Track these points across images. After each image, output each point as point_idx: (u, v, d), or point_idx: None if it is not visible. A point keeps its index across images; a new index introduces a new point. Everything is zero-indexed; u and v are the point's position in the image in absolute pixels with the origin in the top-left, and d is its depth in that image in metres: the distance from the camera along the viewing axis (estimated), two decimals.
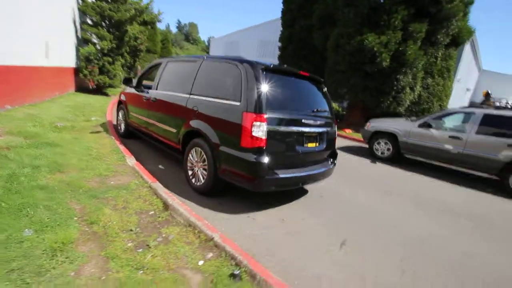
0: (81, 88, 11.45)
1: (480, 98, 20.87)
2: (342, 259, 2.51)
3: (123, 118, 5.49)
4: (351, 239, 2.88)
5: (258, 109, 2.80)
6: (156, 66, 4.86)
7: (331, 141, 3.71)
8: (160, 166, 4.29)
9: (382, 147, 6.98)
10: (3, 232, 2.04)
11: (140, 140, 5.43)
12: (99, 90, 11.29)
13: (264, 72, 2.97)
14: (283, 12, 13.13)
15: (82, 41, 10.64)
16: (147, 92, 4.62)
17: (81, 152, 4.14)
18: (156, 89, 4.39)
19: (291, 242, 2.68)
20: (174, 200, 2.89)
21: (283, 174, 2.96)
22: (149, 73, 5.10)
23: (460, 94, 20.04)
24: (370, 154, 7.25)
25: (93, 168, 3.58)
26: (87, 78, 10.46)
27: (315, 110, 3.48)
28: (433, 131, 6.17)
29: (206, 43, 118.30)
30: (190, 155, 3.53)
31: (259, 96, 2.84)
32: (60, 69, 8.85)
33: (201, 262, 2.09)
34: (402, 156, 6.97)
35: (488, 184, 5.96)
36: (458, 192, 5.21)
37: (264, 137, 2.80)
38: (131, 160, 4.05)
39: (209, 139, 3.16)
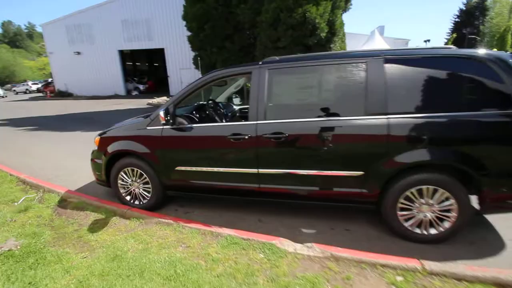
0: None
1: None
2: None
3: (143, 181, 3.16)
4: None
5: None
6: (218, 80, 2.92)
7: None
8: (304, 230, 2.83)
9: None
10: None
11: (176, 202, 3.41)
12: None
13: None
14: None
15: None
16: (233, 127, 2.79)
17: (198, 267, 2.07)
18: (265, 118, 2.65)
19: None
20: (456, 268, 1.99)
21: None
22: (194, 95, 3.01)
23: None
24: None
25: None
26: None
27: None
28: None
29: (1, 31, 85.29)
30: (401, 199, 2.46)
31: None
32: None
33: None
34: None
35: None
36: None
37: None
38: (287, 244, 2.41)
39: (467, 168, 2.27)
